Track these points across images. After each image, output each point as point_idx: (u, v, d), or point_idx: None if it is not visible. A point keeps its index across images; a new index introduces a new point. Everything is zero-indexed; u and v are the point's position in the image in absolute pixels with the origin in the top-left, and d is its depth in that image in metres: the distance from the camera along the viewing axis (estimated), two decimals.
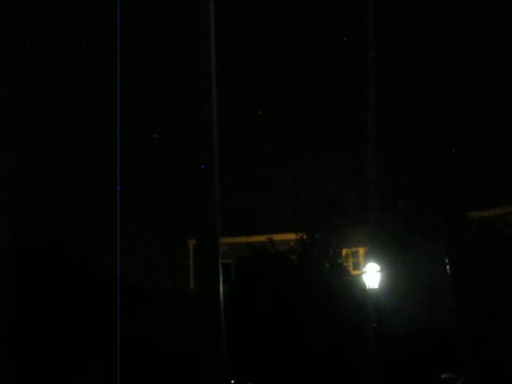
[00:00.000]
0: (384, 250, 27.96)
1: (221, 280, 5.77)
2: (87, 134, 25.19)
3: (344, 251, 30.31)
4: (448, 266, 23.02)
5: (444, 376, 23.26)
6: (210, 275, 5.77)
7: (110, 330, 20.61)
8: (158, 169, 37.69)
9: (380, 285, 24.49)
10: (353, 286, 27.56)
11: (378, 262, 25.06)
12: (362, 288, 25.40)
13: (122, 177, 17.84)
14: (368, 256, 29.24)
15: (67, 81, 28.10)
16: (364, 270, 25.43)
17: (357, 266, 33.62)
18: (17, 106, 26.26)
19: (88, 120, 25.22)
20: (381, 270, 24.69)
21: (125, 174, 19.09)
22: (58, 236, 25.08)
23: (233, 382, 24.28)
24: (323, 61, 32.94)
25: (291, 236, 30.91)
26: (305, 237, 29.34)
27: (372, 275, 24.33)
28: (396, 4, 24.08)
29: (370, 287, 24.20)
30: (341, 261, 29.40)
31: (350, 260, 31.38)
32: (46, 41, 29.51)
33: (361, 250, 34.97)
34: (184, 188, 34.39)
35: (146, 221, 36.83)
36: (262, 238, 31.29)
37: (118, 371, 16.85)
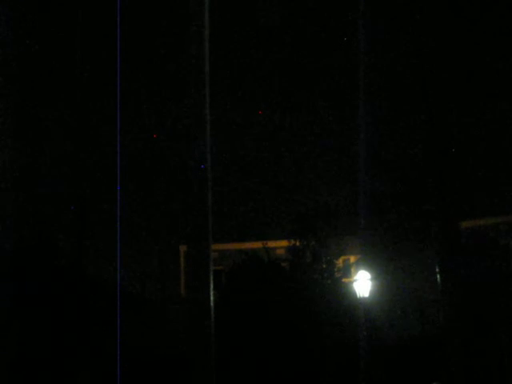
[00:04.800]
0: (375, 259, 27.95)
1: (211, 286, 5.75)
2: (84, 137, 25.17)
3: (338, 261, 30.27)
4: (438, 275, 23.01)
5: None
6: (201, 281, 5.75)
7: (102, 335, 20.56)
8: (151, 174, 37.62)
9: (371, 293, 24.46)
10: (344, 294, 27.54)
11: (369, 271, 25.04)
12: (353, 296, 25.39)
13: (115, 181, 17.81)
14: (359, 264, 29.23)
15: (67, 81, 28.09)
16: (355, 278, 25.41)
17: (348, 273, 33.60)
18: (15, 106, 26.24)
19: (85, 123, 25.19)
20: (372, 279, 24.66)
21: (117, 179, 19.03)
22: (49, 240, 25.03)
23: None
24: (318, 65, 32.96)
25: (284, 243, 30.88)
26: (298, 244, 29.31)
27: (363, 283, 24.30)
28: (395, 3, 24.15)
29: (361, 295, 24.17)
30: (333, 268, 29.38)
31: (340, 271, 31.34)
32: (47, 41, 29.51)
33: (352, 258, 34.95)
34: (176, 194, 34.36)
35: (137, 226, 36.75)
36: (254, 245, 31.24)
37: (119, 374, 16.86)
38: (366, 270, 25.04)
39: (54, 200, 29.71)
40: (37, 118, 30.40)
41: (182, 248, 37.44)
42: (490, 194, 30.45)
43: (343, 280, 30.59)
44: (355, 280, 24.99)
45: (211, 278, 5.74)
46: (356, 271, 27.61)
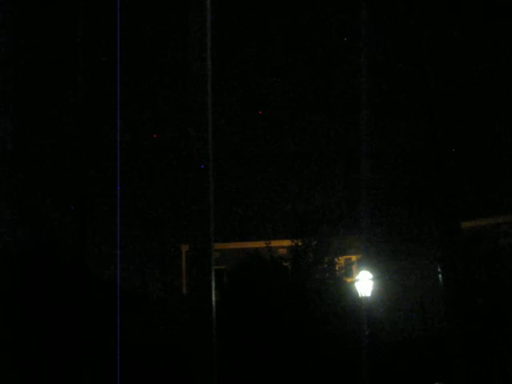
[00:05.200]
0: (377, 258, 27.97)
1: (213, 286, 5.77)
2: (84, 137, 25.20)
3: (339, 260, 30.28)
4: (440, 275, 23.04)
5: None
6: (203, 281, 5.77)
7: (104, 334, 20.58)
8: (152, 173, 37.63)
9: (372, 293, 24.47)
10: (346, 294, 27.55)
11: (371, 270, 25.05)
12: (355, 296, 25.40)
13: (116, 180, 17.84)
14: (361, 264, 29.25)
15: (66, 81, 28.11)
16: (357, 277, 25.42)
17: (349, 273, 33.62)
18: (15, 106, 26.26)
19: (85, 123, 25.21)
20: (374, 278, 24.67)
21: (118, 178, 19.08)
22: (50, 239, 25.05)
23: None
24: (317, 67, 32.96)
25: (286, 242, 30.87)
26: (300, 243, 29.29)
27: (365, 283, 24.31)
28: (394, 5, 24.15)
29: (363, 295, 24.18)
30: (335, 268, 29.39)
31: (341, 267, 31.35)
32: (46, 41, 29.52)
33: (353, 258, 34.96)
34: (178, 193, 34.38)
35: (138, 225, 36.77)
36: (256, 245, 31.23)
37: (119, 374, 16.88)
38: (367, 269, 25.05)
39: (55, 199, 29.73)
40: (37, 117, 30.42)
41: (184, 248, 37.47)
42: (491, 193, 30.46)
43: (345, 280, 30.60)
44: (357, 280, 25.01)
45: (213, 277, 5.76)
46: (358, 271, 27.64)
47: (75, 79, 25.45)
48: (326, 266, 28.91)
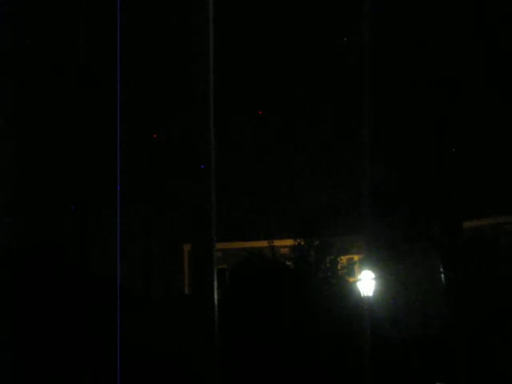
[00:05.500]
0: (379, 258, 27.95)
1: (215, 285, 5.75)
2: (85, 136, 25.19)
3: (342, 260, 30.24)
4: (442, 275, 23.01)
5: None
6: (205, 281, 5.75)
7: (104, 333, 20.56)
8: (154, 172, 37.61)
9: (375, 293, 24.43)
10: (348, 294, 27.53)
11: (373, 270, 25.01)
12: (357, 296, 25.37)
13: (116, 180, 17.82)
14: (363, 263, 29.21)
15: (66, 82, 28.11)
16: (359, 277, 25.38)
17: (352, 273, 33.60)
18: (16, 106, 26.26)
19: (86, 123, 25.20)
20: (376, 278, 24.64)
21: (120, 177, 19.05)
22: (51, 239, 25.05)
23: None
24: (319, 66, 32.95)
25: (289, 242, 30.85)
26: (302, 243, 29.27)
27: (367, 283, 24.27)
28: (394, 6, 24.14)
29: (365, 295, 24.14)
30: (337, 267, 29.36)
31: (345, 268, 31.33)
32: (46, 41, 29.52)
33: (356, 257, 34.93)
34: (180, 192, 34.36)
35: (139, 225, 36.75)
36: (258, 244, 31.20)
37: (119, 374, 16.86)
38: (369, 269, 25.01)
39: (55, 199, 29.74)
40: (37, 117, 30.43)
41: (186, 247, 37.44)
42: (491, 193, 30.44)
43: (347, 279, 30.56)
44: (359, 279, 24.96)
45: (215, 276, 5.74)
46: (360, 270, 27.58)
47: (75, 79, 25.45)
48: (328, 265, 28.88)
